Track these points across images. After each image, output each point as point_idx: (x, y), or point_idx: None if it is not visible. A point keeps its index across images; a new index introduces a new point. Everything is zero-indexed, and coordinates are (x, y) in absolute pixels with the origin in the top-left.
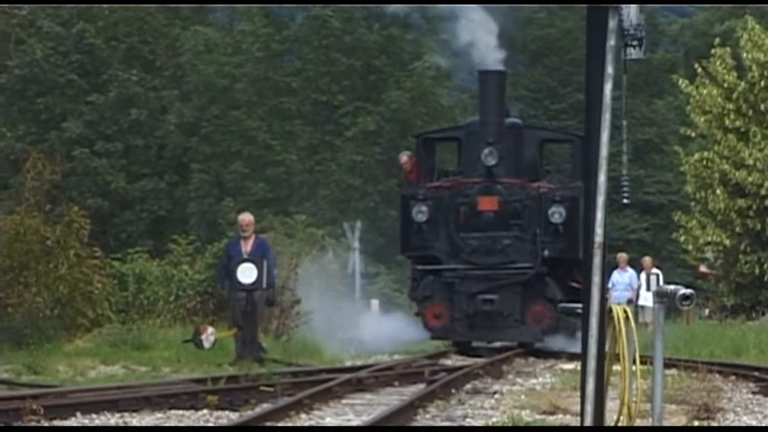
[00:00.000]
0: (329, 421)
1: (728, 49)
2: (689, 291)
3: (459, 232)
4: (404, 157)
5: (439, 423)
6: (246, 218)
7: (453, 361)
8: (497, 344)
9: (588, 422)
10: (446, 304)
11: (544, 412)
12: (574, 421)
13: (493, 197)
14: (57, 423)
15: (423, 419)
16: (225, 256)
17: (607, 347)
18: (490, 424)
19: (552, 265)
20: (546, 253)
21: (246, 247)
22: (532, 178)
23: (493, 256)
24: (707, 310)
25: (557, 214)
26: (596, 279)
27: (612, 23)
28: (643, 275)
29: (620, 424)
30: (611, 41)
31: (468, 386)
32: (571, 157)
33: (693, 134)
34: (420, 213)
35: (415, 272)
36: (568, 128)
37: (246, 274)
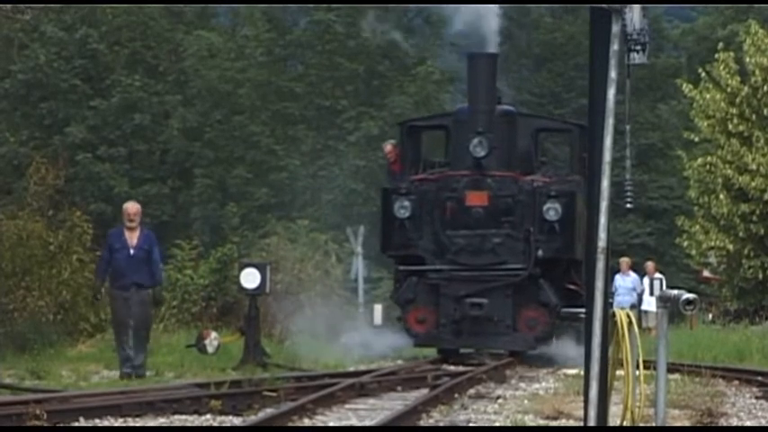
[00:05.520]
0: (332, 426)
1: (732, 53)
2: (692, 295)
3: (445, 230)
4: (388, 146)
5: None
6: (133, 207)
7: (456, 366)
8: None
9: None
10: (431, 308)
11: (547, 417)
12: (577, 426)
13: (482, 192)
14: (60, 427)
15: (426, 424)
16: (106, 248)
17: (610, 352)
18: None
19: (547, 266)
20: (540, 253)
21: (132, 239)
22: (526, 171)
23: (482, 255)
24: (710, 315)
25: (552, 211)
26: (599, 284)
27: (616, 28)
28: (646, 280)
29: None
30: (615, 46)
31: (472, 391)
32: (569, 148)
33: (697, 139)
34: (402, 209)
35: (398, 272)
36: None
37: (250, 279)
